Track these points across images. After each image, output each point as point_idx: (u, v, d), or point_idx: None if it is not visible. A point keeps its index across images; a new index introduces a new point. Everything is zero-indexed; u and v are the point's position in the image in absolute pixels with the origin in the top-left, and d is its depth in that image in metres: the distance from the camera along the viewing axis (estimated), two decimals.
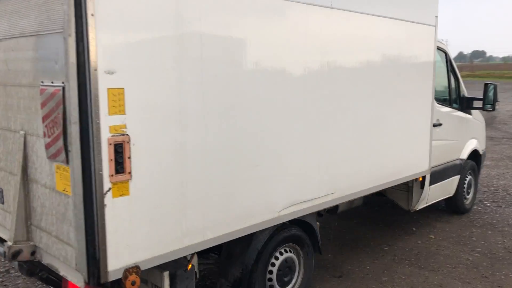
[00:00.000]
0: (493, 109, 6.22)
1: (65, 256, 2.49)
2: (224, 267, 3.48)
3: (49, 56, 2.36)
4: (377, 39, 4.15)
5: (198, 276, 3.21)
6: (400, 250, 5.25)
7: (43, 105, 2.43)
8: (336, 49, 3.68)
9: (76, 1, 2.19)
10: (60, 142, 2.35)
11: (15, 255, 2.69)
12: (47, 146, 2.46)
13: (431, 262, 4.94)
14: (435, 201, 5.89)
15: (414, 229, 5.94)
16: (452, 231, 5.89)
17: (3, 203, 3.04)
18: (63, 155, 2.34)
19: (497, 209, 6.77)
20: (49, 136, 2.43)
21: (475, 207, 6.77)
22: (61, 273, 2.59)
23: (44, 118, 2.44)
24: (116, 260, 2.46)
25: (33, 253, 2.76)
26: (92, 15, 2.21)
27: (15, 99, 2.73)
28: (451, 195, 6.20)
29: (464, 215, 6.45)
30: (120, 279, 2.50)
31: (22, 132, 2.69)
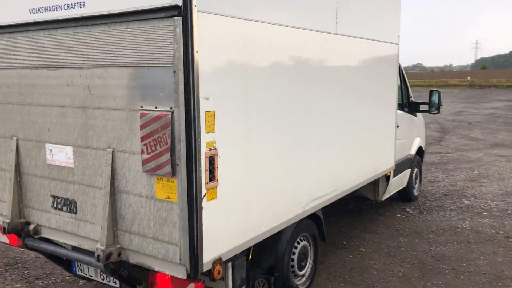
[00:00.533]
0: (438, 112, 7.33)
1: (164, 254, 2.93)
2: (257, 258, 4.04)
3: (153, 85, 2.79)
4: (359, 57, 4.94)
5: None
6: (333, 267, 5.13)
7: (143, 126, 2.85)
8: (333, 69, 4.41)
9: (184, 42, 2.67)
10: (164, 158, 2.79)
11: (108, 257, 3.07)
12: (145, 162, 2.88)
13: (365, 278, 4.90)
14: (394, 191, 6.86)
15: (344, 242, 5.92)
16: (380, 241, 5.89)
17: (76, 213, 3.37)
18: (167, 168, 2.79)
19: (419, 216, 6.87)
20: (148, 153, 2.86)
21: (399, 215, 6.91)
22: (156, 269, 3.02)
23: (143, 138, 2.87)
24: (208, 254, 2.96)
25: (119, 255, 3.15)
26: (197, 52, 2.70)
27: (99, 120, 3.10)
28: (404, 186, 7.22)
29: (390, 225, 6.53)
30: (210, 269, 3.01)
31: (109, 150, 3.07)
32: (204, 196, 2.88)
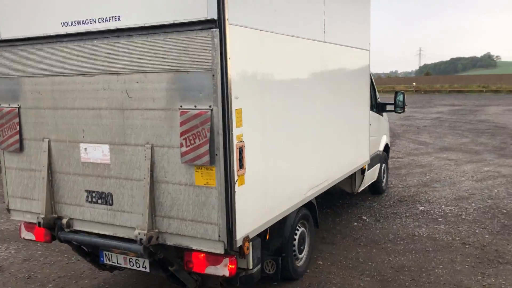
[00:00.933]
0: (403, 111, 8.10)
1: (203, 233, 3.38)
2: (265, 241, 4.54)
3: (192, 87, 3.26)
4: (341, 62, 5.59)
5: None
6: (290, 284, 4.88)
7: (182, 123, 3.31)
8: (323, 72, 5.02)
9: (221, 50, 3.16)
10: (203, 149, 3.26)
11: (149, 240, 3.48)
12: (184, 154, 3.34)
13: None
14: (367, 184, 7.54)
15: None
16: (338, 253, 5.67)
17: (112, 204, 3.76)
18: (206, 158, 3.25)
19: (376, 224, 6.70)
20: (187, 146, 3.32)
21: (355, 223, 6.71)
22: (194, 248, 3.47)
23: (182, 133, 3.32)
24: (240, 232, 3.44)
25: (157, 238, 3.57)
26: (229, 58, 3.21)
27: (138, 120, 3.52)
28: (375, 179, 7.92)
29: (347, 234, 6.31)
30: (241, 245, 3.49)
31: (148, 145, 3.49)
32: (236, 181, 3.37)
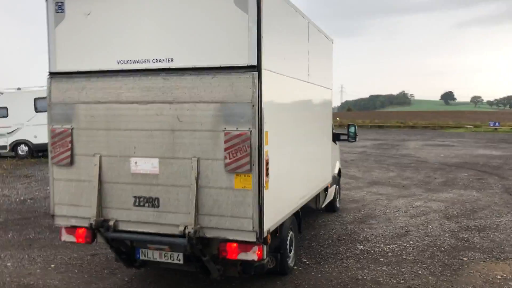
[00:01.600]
0: (355, 141, 9.56)
1: (240, 226, 4.41)
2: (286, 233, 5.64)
3: (235, 114, 4.34)
4: (317, 98, 6.92)
5: None
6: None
7: (226, 141, 4.37)
8: (308, 105, 6.32)
9: (259, 89, 4.31)
10: (243, 161, 4.33)
11: (194, 233, 4.45)
12: (227, 164, 4.39)
13: None
14: (327, 202, 8.83)
15: None
16: None
17: (158, 207, 4.68)
18: (246, 167, 4.33)
19: (317, 267, 6.30)
20: (229, 159, 4.38)
21: (295, 267, 6.20)
22: (230, 238, 4.48)
23: (226, 149, 4.38)
24: (266, 226, 4.52)
25: (199, 232, 4.54)
26: (263, 93, 4.36)
27: (186, 139, 4.52)
28: (331, 198, 9.25)
29: (287, 281, 5.82)
30: (266, 236, 4.56)
31: (195, 158, 4.50)
32: (264, 186, 4.47)
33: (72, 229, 5.11)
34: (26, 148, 19.21)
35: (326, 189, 8.22)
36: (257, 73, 4.29)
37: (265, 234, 4.52)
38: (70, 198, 5.01)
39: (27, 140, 19.16)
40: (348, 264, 6.46)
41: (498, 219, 8.88)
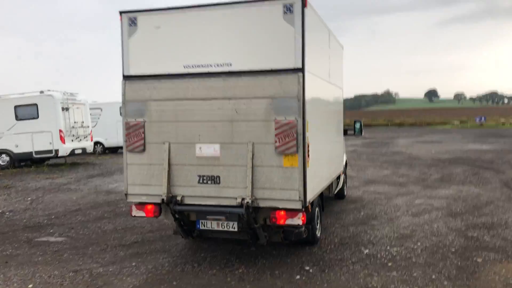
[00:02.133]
0: (361, 135, 10.74)
1: (289, 196, 5.52)
2: (319, 207, 6.76)
3: (283, 107, 5.45)
4: (334, 96, 8.06)
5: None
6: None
7: (276, 128, 5.49)
8: (330, 102, 7.47)
9: (303, 86, 5.44)
10: (291, 144, 5.45)
11: (252, 203, 5.56)
12: (277, 147, 5.51)
13: None
14: (338, 188, 9.97)
15: None
16: None
17: (219, 183, 5.78)
18: (293, 149, 5.45)
19: (322, 275, 5.88)
20: (279, 142, 5.49)
21: (298, 276, 5.86)
22: (280, 206, 5.59)
23: (276, 135, 5.50)
24: (308, 196, 5.65)
25: (253, 202, 5.64)
26: (305, 89, 5.49)
27: (243, 128, 5.62)
28: (341, 186, 10.41)
29: None
30: (307, 205, 5.69)
31: (250, 142, 5.61)
32: (306, 164, 5.60)
33: (141, 206, 6.17)
34: (7, 158, 18.72)
35: (338, 177, 9.37)
36: (302, 74, 5.42)
37: (307, 204, 5.65)
38: (142, 179, 6.07)
39: (8, 150, 18.70)
40: (355, 270, 6.03)
41: (504, 215, 8.63)
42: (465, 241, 7.12)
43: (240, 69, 5.63)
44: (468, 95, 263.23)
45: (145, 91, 5.98)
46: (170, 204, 5.91)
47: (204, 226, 6.09)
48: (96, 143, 23.81)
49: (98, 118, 24.56)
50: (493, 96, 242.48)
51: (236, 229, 5.94)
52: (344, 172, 10.65)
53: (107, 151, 25.62)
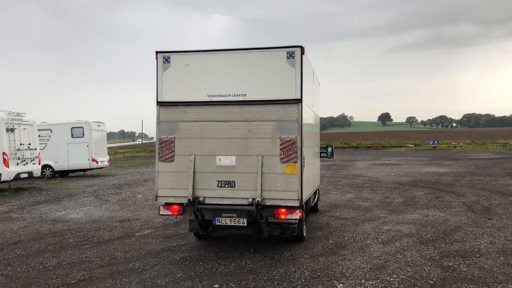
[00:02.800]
0: (332, 157, 12.63)
1: (289, 196, 7.23)
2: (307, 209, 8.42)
3: (287, 128, 7.22)
4: (315, 121, 9.93)
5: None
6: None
7: (281, 144, 7.25)
8: (313, 125, 9.34)
9: (301, 113, 7.25)
10: (292, 156, 7.21)
11: (261, 202, 7.25)
12: (282, 159, 7.26)
13: None
14: (315, 201, 11.66)
15: None
16: None
17: (234, 187, 7.43)
18: (294, 160, 7.21)
19: None
20: (283, 155, 7.25)
21: None
22: (282, 204, 7.30)
23: (281, 149, 7.26)
24: (304, 197, 7.41)
25: (261, 201, 7.33)
26: (302, 115, 7.31)
27: (255, 143, 7.34)
28: (316, 200, 12.19)
29: None
30: (302, 204, 7.44)
31: (260, 155, 7.33)
32: (303, 172, 7.37)
33: (168, 206, 7.72)
34: None
35: (315, 192, 11.18)
36: (300, 103, 7.23)
37: (303, 202, 7.39)
38: (170, 184, 7.63)
39: None
40: None
41: (476, 242, 8.47)
42: (442, 272, 6.78)
43: (253, 98, 7.37)
44: (420, 119, 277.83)
45: (176, 114, 7.61)
46: (194, 203, 7.49)
47: (219, 222, 7.66)
48: (44, 166, 23.21)
49: (48, 140, 23.89)
50: (442, 120, 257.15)
51: (245, 224, 7.55)
52: (317, 189, 12.50)
53: (56, 175, 24.82)
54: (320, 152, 12.06)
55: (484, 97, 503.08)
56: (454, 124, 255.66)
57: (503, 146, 57.83)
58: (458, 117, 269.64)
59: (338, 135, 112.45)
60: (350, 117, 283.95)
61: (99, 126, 25.99)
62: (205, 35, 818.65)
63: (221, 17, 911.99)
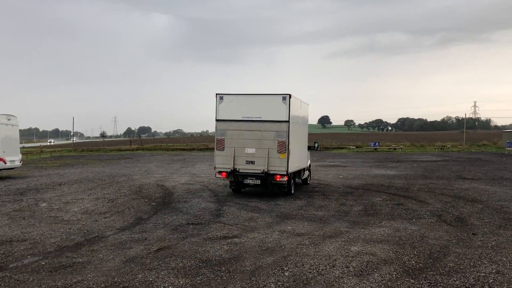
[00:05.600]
0: (319, 149, 19.81)
1: (280, 170, 14.41)
2: (293, 177, 15.67)
3: (281, 135, 14.44)
4: (301, 129, 17.13)
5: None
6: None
7: (278, 143, 14.47)
8: (301, 127, 16.59)
9: (288, 127, 14.47)
10: (283, 149, 14.42)
11: (267, 171, 14.48)
12: (278, 151, 14.47)
13: None
14: (305, 176, 18.93)
15: None
16: None
17: (254, 164, 14.71)
18: (284, 151, 14.40)
19: None
20: (279, 148, 14.47)
21: None
22: (278, 173, 14.50)
23: (277, 146, 14.48)
24: (290, 169, 14.63)
25: (268, 171, 14.56)
26: (290, 131, 14.54)
27: (265, 142, 14.55)
28: (305, 177, 19.38)
29: None
30: (289, 173, 14.67)
31: (266, 148, 14.56)
32: (288, 155, 14.57)
33: (220, 173, 15.07)
34: None
35: (304, 170, 18.35)
36: (288, 122, 14.43)
37: (288, 173, 14.60)
38: (221, 161, 14.97)
39: None
40: None
41: (478, 272, 6.72)
42: None
43: (265, 119, 14.61)
44: (357, 122, 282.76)
45: (225, 125, 14.92)
46: (233, 171, 14.80)
47: (246, 182, 14.98)
48: None
49: None
50: (379, 123, 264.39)
51: (259, 183, 14.85)
52: (309, 169, 19.63)
53: None
54: (309, 146, 19.24)
55: (416, 103, 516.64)
56: (390, 128, 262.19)
57: (440, 149, 60.16)
58: (393, 121, 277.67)
59: None
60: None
61: (8, 120, 22.53)
62: (145, 35, 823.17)
63: (162, 16, 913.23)
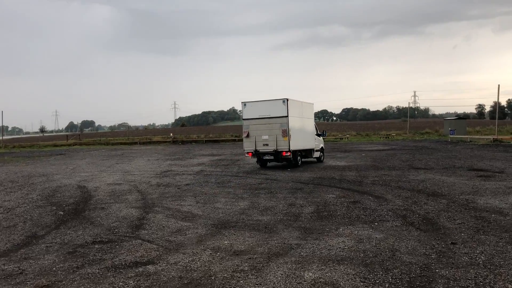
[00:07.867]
0: (326, 136, 27.39)
1: (284, 148, 22.31)
2: (303, 153, 23.62)
3: (283, 125, 22.32)
4: (304, 120, 24.79)
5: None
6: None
7: (282, 130, 22.35)
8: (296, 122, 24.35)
9: (287, 120, 22.29)
10: (285, 134, 22.24)
11: (277, 149, 22.37)
12: (282, 135, 22.35)
13: None
14: (316, 156, 26.56)
15: None
16: None
17: (268, 145, 22.74)
18: (285, 135, 22.24)
19: None
20: (283, 134, 22.33)
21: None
22: (284, 150, 22.39)
23: (282, 132, 22.36)
24: (290, 148, 22.47)
25: (277, 149, 22.43)
26: (289, 123, 22.37)
27: (274, 131, 22.52)
28: (318, 156, 26.97)
29: None
30: (291, 151, 22.51)
31: (275, 135, 22.51)
32: (290, 137, 22.37)
33: (247, 153, 23.29)
34: None
35: (317, 150, 26.01)
36: (287, 117, 22.26)
37: (291, 150, 22.42)
38: (247, 146, 23.21)
39: None
40: None
41: None
42: None
43: (273, 116, 22.56)
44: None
45: (248, 122, 23.09)
46: (256, 151, 22.89)
47: (265, 158, 23.13)
48: None
49: None
50: (324, 114, 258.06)
51: (272, 158, 22.90)
52: (321, 151, 27.17)
53: None
54: (319, 134, 26.91)
55: (358, 93, 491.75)
56: (335, 118, 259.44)
57: (386, 137, 60.85)
58: (337, 111, 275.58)
59: (228, 128, 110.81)
60: (240, 111, 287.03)
61: None
62: (87, 26, 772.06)
63: (103, 7, 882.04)
